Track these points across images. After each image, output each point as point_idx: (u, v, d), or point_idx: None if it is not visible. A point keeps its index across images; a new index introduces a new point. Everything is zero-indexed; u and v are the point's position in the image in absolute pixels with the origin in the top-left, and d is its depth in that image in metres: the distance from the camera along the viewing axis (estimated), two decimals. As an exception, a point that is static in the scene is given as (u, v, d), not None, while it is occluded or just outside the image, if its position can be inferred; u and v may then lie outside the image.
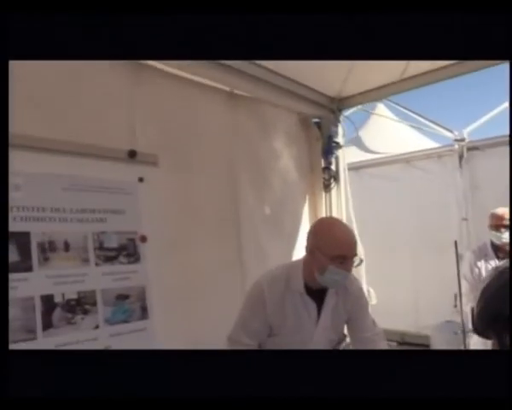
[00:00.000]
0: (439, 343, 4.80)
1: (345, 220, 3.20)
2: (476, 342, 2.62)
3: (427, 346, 5.10)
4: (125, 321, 1.46)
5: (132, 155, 1.60)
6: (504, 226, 2.89)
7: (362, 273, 3.43)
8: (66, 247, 1.38)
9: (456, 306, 4.68)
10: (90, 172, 1.50)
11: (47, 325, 1.29)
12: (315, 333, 1.67)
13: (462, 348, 3.35)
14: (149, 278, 1.55)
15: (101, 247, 1.46)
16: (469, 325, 2.88)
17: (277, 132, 2.86)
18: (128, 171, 1.60)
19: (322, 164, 3.08)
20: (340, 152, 3.14)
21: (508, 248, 2.95)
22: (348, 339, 2.00)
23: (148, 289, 1.54)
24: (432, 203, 5.08)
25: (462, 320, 2.28)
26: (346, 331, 1.83)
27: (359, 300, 1.75)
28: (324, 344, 1.73)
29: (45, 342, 1.27)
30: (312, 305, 1.64)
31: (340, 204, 3.13)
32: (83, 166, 1.48)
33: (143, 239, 1.57)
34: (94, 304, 1.40)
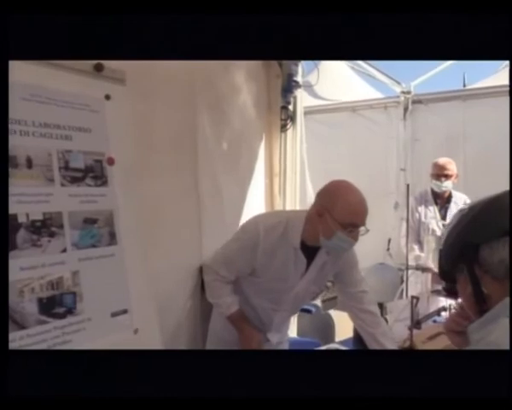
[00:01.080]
0: (372, 283, 5.17)
1: (298, 163, 3.25)
2: (412, 282, 2.87)
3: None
4: (94, 246, 1.38)
5: (99, 68, 1.46)
6: (444, 176, 3.11)
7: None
8: (29, 163, 1.26)
9: (388, 249, 5.04)
10: (52, 83, 1.34)
11: (11, 246, 1.18)
12: (297, 285, 1.67)
13: (397, 287, 3.62)
14: (117, 203, 1.47)
15: (66, 166, 1.34)
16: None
17: (238, 67, 2.77)
18: (94, 86, 1.45)
19: (280, 103, 3.05)
20: (298, 92, 3.13)
21: (446, 195, 3.19)
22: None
23: (115, 214, 1.46)
24: (374, 152, 5.28)
25: (407, 258, 2.46)
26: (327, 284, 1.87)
27: (350, 258, 1.75)
28: (304, 295, 1.77)
29: (10, 264, 1.17)
30: (303, 261, 1.62)
31: (295, 146, 3.16)
32: (44, 75, 1.33)
33: (111, 161, 1.47)
34: (61, 227, 1.30)
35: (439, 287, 2.47)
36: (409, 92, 4.95)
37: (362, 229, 1.52)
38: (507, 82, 4.32)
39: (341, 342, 2.17)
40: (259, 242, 1.57)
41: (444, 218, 3.12)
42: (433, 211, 3.20)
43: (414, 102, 4.97)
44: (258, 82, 2.95)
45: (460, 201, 3.19)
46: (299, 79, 3.07)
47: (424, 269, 2.42)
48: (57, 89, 1.35)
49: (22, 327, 1.19)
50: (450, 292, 2.26)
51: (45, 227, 1.26)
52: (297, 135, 3.16)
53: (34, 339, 1.22)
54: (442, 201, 3.21)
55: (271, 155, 3.11)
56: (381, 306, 2.11)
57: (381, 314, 2.06)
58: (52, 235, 1.28)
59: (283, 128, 3.10)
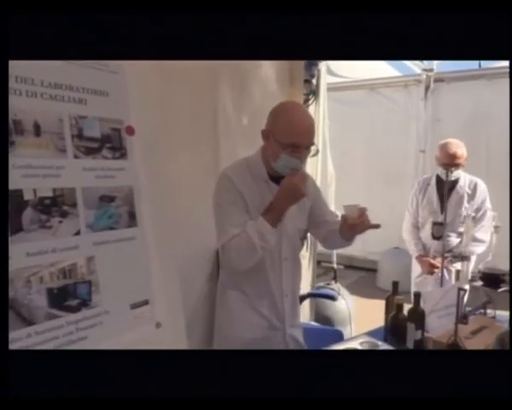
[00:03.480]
0: (386, 266, 5.01)
1: (321, 140, 3.06)
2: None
3: (375, 270, 5.32)
4: (111, 228, 1.20)
5: (118, 22, 1.25)
6: (455, 165, 2.67)
7: (331, 196, 3.37)
8: (37, 130, 1.06)
9: (404, 235, 4.85)
10: (64, 36, 1.15)
11: (16, 228, 1.00)
12: (284, 222, 1.56)
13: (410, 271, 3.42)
14: (137, 179, 1.29)
15: (80, 135, 1.15)
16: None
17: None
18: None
19: (304, 76, 2.85)
20: (322, 65, 2.91)
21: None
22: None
23: (136, 192, 1.27)
24: (392, 132, 5.07)
25: (443, 246, 2.26)
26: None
27: (316, 188, 1.78)
28: (293, 234, 1.67)
29: (15, 248, 0.99)
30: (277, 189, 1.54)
31: (318, 122, 2.95)
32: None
33: (131, 131, 1.27)
34: (74, 205, 1.11)
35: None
36: (431, 70, 4.71)
37: (313, 148, 1.49)
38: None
39: (369, 333, 2.02)
40: (237, 185, 1.51)
41: (442, 204, 2.76)
42: (435, 199, 2.87)
43: (436, 80, 4.74)
44: (281, 52, 2.74)
45: (466, 183, 2.83)
46: (323, 49, 2.86)
47: (463, 257, 2.21)
48: (69, 43, 1.15)
49: (30, 323, 1.02)
50: (489, 283, 2.10)
51: (56, 206, 1.08)
52: (320, 110, 2.96)
53: (43, 336, 1.04)
54: (447, 186, 2.82)
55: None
56: (396, 284, 1.94)
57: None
58: (64, 215, 1.09)
59: (306, 103, 2.89)
